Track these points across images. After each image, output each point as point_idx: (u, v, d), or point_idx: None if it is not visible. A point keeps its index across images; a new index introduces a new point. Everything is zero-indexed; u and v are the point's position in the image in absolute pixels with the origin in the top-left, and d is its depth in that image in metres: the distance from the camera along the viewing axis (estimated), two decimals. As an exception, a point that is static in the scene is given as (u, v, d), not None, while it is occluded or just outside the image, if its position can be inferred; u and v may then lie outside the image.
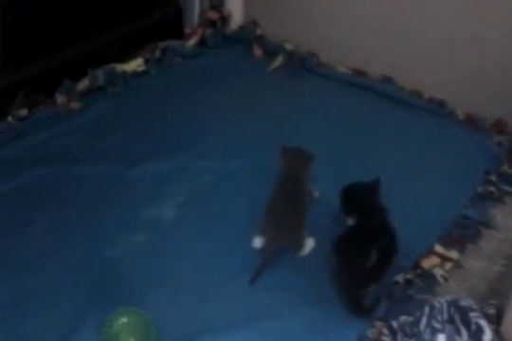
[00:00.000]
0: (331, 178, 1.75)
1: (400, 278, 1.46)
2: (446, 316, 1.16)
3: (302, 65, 2.28)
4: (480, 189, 1.70)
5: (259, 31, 2.42)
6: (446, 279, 1.45)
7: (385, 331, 1.30)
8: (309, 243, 1.56)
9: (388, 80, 2.15)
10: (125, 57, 2.31)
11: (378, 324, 1.35)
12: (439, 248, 1.53)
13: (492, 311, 1.15)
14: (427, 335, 1.14)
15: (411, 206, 1.51)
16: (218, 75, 2.33)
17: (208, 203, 1.76)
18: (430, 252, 1.52)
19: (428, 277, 1.46)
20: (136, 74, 2.29)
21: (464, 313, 1.13)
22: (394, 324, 1.29)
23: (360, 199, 1.49)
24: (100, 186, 1.81)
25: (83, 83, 2.18)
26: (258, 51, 2.39)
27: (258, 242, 1.56)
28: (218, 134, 2.03)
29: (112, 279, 1.52)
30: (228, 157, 1.92)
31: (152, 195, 1.78)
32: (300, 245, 1.53)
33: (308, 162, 1.65)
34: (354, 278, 1.37)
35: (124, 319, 1.34)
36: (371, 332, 1.34)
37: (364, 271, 1.36)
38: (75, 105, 2.13)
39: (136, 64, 2.31)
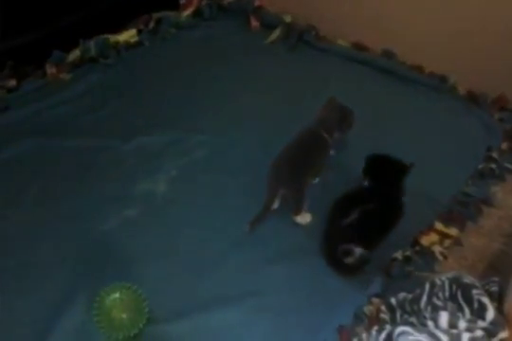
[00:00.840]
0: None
1: (398, 254, 1.43)
2: (447, 294, 1.14)
3: (301, 38, 2.22)
4: (481, 166, 1.68)
5: (256, 2, 2.35)
6: (445, 257, 1.43)
7: (383, 307, 1.27)
8: (306, 217, 1.55)
9: (389, 54, 2.10)
10: (118, 28, 2.24)
11: (376, 301, 1.33)
12: (439, 225, 1.50)
13: (495, 288, 1.12)
14: (428, 313, 1.11)
15: (411, 183, 1.47)
16: (214, 47, 2.27)
17: (201, 177, 1.72)
18: (430, 229, 1.50)
19: (426, 254, 1.44)
20: (128, 45, 2.23)
21: (466, 290, 1.10)
22: (393, 301, 1.27)
23: (386, 169, 1.47)
24: (91, 159, 1.77)
25: (75, 54, 2.12)
26: (255, 23, 2.32)
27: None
28: (213, 108, 1.98)
29: (104, 254, 1.49)
30: (224, 131, 1.87)
31: (144, 169, 1.74)
32: (297, 201, 1.51)
33: (343, 124, 1.65)
34: (330, 232, 1.43)
35: (116, 294, 1.30)
36: (368, 309, 1.32)
37: (340, 227, 1.40)
38: (65, 76, 2.08)
39: (128, 35, 2.25)
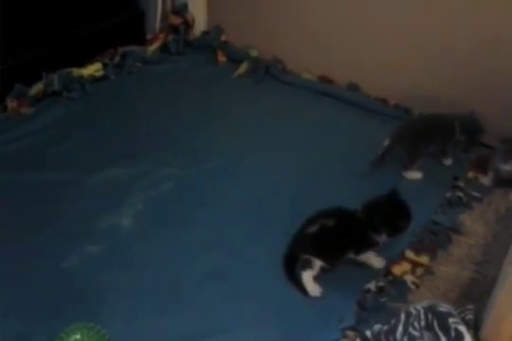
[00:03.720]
0: (300, 191, 1.72)
1: (372, 285, 1.40)
2: (423, 323, 1.11)
3: (268, 72, 2.24)
4: (448, 195, 1.69)
5: (223, 37, 2.37)
6: (417, 286, 1.41)
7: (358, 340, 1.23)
8: (417, 174, 1.75)
9: (354, 87, 2.13)
10: (83, 61, 2.22)
11: (350, 334, 1.28)
12: (410, 254, 1.48)
13: (470, 316, 1.10)
14: (404, 345, 1.07)
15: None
16: (180, 81, 2.27)
17: (168, 211, 1.68)
18: (402, 258, 1.47)
19: (399, 283, 1.41)
20: (93, 79, 2.21)
21: (442, 319, 1.07)
22: (368, 333, 1.23)
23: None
24: (53, 194, 1.72)
25: (37, 87, 2.09)
26: (222, 58, 2.34)
27: None
28: (180, 141, 1.96)
29: (65, 293, 1.42)
30: (191, 164, 1.85)
31: (108, 203, 1.69)
32: (410, 158, 1.75)
33: (474, 138, 1.79)
34: (293, 240, 1.47)
35: (77, 336, 1.23)
36: (343, 344, 1.27)
37: (300, 236, 1.45)
38: (27, 110, 2.03)
39: (93, 69, 2.23)
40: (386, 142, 1.74)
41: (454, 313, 1.09)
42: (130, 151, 1.90)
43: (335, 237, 1.42)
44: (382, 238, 1.42)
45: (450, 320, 1.06)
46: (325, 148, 1.91)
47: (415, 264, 1.46)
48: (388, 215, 1.41)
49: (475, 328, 1.08)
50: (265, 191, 1.74)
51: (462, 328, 1.04)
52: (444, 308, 1.11)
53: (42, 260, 1.49)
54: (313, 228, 1.42)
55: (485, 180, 1.73)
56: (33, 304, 1.38)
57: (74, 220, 1.63)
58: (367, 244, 1.43)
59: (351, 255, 1.43)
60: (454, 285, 1.40)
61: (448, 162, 1.81)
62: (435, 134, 1.75)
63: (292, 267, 1.43)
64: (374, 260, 1.46)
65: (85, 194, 1.72)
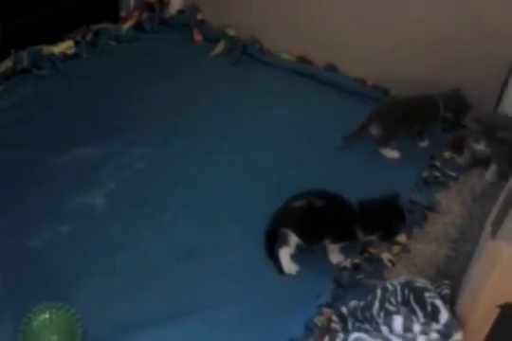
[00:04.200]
0: (276, 170, 1.69)
1: (347, 262, 1.39)
2: (400, 298, 1.10)
3: (245, 52, 2.20)
4: (425, 174, 1.68)
5: (199, 16, 2.31)
6: (393, 264, 1.40)
7: (334, 317, 1.22)
8: (394, 153, 1.73)
9: (332, 67, 2.11)
10: (54, 39, 2.15)
11: (326, 311, 1.27)
12: (386, 232, 1.47)
13: (446, 291, 1.09)
14: (381, 319, 1.07)
15: (360, 191, 1.44)
16: (155, 60, 2.22)
17: (142, 190, 1.64)
18: (378, 236, 1.46)
19: (375, 261, 1.41)
20: (65, 57, 2.13)
21: (418, 293, 1.07)
22: (344, 310, 1.22)
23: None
24: (21, 173, 1.66)
25: (5, 65, 2.01)
26: (198, 37, 2.28)
27: None
28: (155, 120, 1.92)
29: (34, 273, 1.37)
30: (165, 143, 1.81)
31: (80, 183, 1.64)
32: (386, 135, 1.72)
33: (460, 113, 1.77)
34: (276, 213, 1.44)
35: (45, 315, 1.19)
36: (319, 320, 1.25)
37: (284, 209, 1.42)
38: (-5, 88, 1.95)
39: (65, 47, 2.16)
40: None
41: (430, 287, 1.08)
42: (102, 130, 1.85)
43: (320, 217, 1.38)
44: (370, 238, 1.40)
45: (427, 295, 1.06)
46: (303, 128, 1.89)
47: (391, 242, 1.45)
48: (386, 220, 1.38)
49: (451, 302, 1.08)
50: (243, 170, 1.71)
51: (438, 302, 1.04)
52: (420, 283, 1.10)
53: (9, 240, 1.44)
54: (300, 203, 1.39)
55: (461, 160, 1.73)
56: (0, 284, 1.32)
57: (43, 199, 1.58)
58: (348, 237, 1.40)
59: (327, 241, 1.40)
60: (431, 263, 1.39)
61: (425, 144, 1.81)
62: (417, 114, 1.74)
63: (272, 243, 1.41)
64: (334, 254, 1.42)
65: (55, 173, 1.67)
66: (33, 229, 1.48)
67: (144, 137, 1.83)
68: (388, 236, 1.41)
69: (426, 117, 1.76)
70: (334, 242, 1.40)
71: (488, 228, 0.93)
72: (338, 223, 1.39)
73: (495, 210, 0.99)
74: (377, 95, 1.99)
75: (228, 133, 1.87)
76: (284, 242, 1.39)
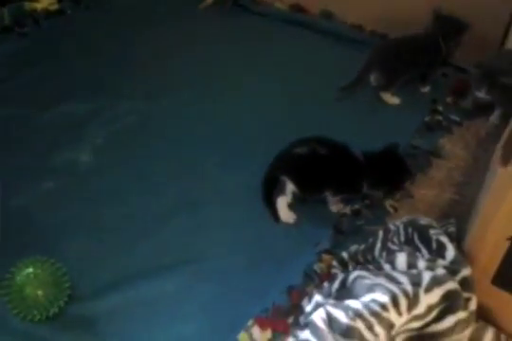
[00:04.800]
0: (272, 119, 1.62)
1: (347, 209, 1.33)
2: (403, 238, 1.04)
3: (237, 3, 2.11)
4: (427, 119, 1.60)
5: (187, -34, 2.20)
6: (395, 209, 1.34)
7: (334, 263, 1.16)
8: (394, 99, 1.66)
9: (327, 14, 2.01)
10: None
11: (326, 257, 1.21)
12: (388, 177, 1.41)
13: (452, 229, 1.03)
14: (383, 259, 1.00)
15: (360, 138, 1.37)
16: (143, 14, 2.12)
17: (130, 145, 1.57)
18: (379, 182, 1.40)
19: (377, 207, 1.34)
20: (48, 13, 2.04)
21: (423, 231, 1.00)
22: (345, 255, 1.16)
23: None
24: (5, 130, 1.58)
25: (-15, 22, 1.92)
26: (187, -12, 2.17)
27: None
28: (144, 75, 1.84)
29: (18, 230, 1.31)
30: (156, 97, 1.73)
31: (65, 139, 1.57)
32: (386, 81, 1.65)
33: (459, 36, 1.66)
34: (276, 158, 1.35)
35: (30, 269, 1.12)
36: (318, 267, 1.20)
37: (285, 154, 1.34)
38: (-25, 45, 1.87)
39: (47, 2, 2.07)
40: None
41: (435, 225, 1.02)
42: (89, 85, 1.77)
43: (322, 167, 1.28)
44: (375, 194, 1.32)
45: (431, 232, 0.99)
46: (300, 78, 1.79)
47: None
48: (394, 176, 1.30)
49: (457, 240, 1.01)
50: (236, 122, 1.62)
51: (444, 238, 0.97)
52: (424, 221, 1.03)
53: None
54: (302, 149, 1.30)
55: (464, 104, 1.65)
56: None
57: (27, 156, 1.51)
58: (350, 191, 1.32)
59: (327, 193, 1.32)
60: (434, 207, 1.32)
61: (427, 89, 1.72)
62: (417, 54, 1.64)
63: (269, 190, 1.33)
64: (334, 204, 1.34)
65: (40, 130, 1.60)
66: (17, 186, 1.41)
67: (131, 92, 1.75)
68: (392, 192, 1.34)
69: (427, 57, 1.66)
70: (335, 194, 1.32)
71: (498, 153, 0.86)
72: (342, 175, 1.29)
73: (505, 134, 0.92)
74: (376, 41, 1.89)
75: (220, 85, 1.78)
76: (282, 191, 1.32)
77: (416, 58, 1.64)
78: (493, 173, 0.90)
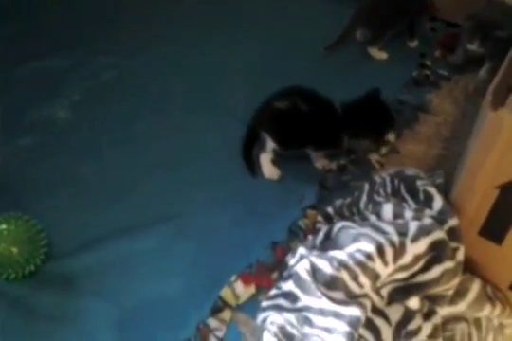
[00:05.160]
0: (258, 78, 1.55)
1: (333, 165, 1.29)
2: (389, 190, 1.00)
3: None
4: (415, 74, 1.56)
5: None
6: (382, 165, 1.31)
7: (319, 218, 1.13)
8: (382, 54, 1.61)
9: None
10: None
11: (311, 213, 1.19)
12: (374, 132, 1.37)
13: (440, 180, 1.00)
14: (369, 211, 0.97)
15: (346, 93, 1.31)
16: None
17: (108, 101, 1.51)
18: (364, 137, 1.36)
19: (362, 163, 1.31)
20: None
21: (409, 182, 0.97)
22: (330, 209, 1.13)
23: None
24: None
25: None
26: None
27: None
28: (123, 29, 1.76)
29: (-7, 187, 1.26)
30: (135, 53, 1.66)
31: (41, 95, 1.52)
32: (374, 35, 1.59)
33: None
34: (257, 110, 1.31)
35: (2, 226, 1.09)
36: (303, 223, 1.17)
37: (263, 108, 1.29)
38: None
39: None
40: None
41: (423, 175, 0.99)
42: (66, 40, 1.69)
43: (301, 122, 1.23)
44: (360, 146, 1.29)
45: (418, 183, 0.96)
46: (286, 33, 1.72)
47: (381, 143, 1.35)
48: (372, 122, 1.24)
49: (445, 192, 0.99)
50: (218, 78, 1.56)
51: (431, 189, 0.94)
52: (411, 171, 1.00)
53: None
54: (282, 104, 1.24)
55: (453, 59, 1.61)
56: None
57: (3, 112, 1.45)
58: (332, 145, 1.27)
59: (308, 148, 1.28)
60: (422, 162, 1.29)
61: (414, 44, 1.67)
62: (401, 6, 1.59)
63: (248, 144, 1.30)
64: (318, 160, 1.30)
65: (15, 86, 1.54)
66: (-8, 143, 1.37)
67: (109, 48, 1.67)
68: (377, 140, 1.30)
69: (411, 6, 1.60)
70: (316, 150, 1.28)
71: (488, 98, 0.82)
72: (321, 129, 1.24)
73: (496, 78, 0.88)
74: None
75: (203, 41, 1.69)
76: (263, 148, 1.28)
77: (401, 9, 1.59)
78: (482, 120, 0.87)
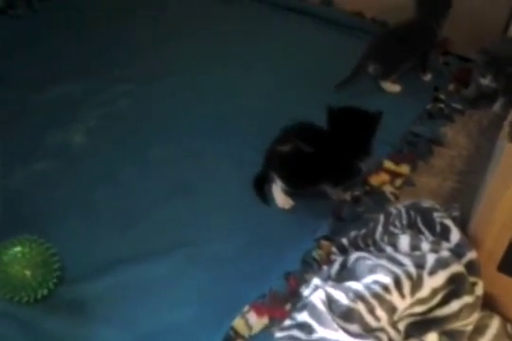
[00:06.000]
0: (268, 108, 1.57)
1: (347, 195, 1.29)
2: (405, 221, 1.00)
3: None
4: (429, 107, 1.57)
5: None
6: (396, 197, 1.30)
7: (334, 249, 1.12)
8: (395, 87, 1.64)
9: (327, 1, 1.97)
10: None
11: (325, 244, 1.17)
12: (388, 164, 1.37)
13: (456, 213, 0.99)
14: (385, 242, 0.96)
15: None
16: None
17: (124, 128, 1.53)
18: (380, 168, 1.36)
19: (377, 194, 1.31)
20: (40, -5, 1.99)
21: (426, 214, 0.97)
22: (344, 241, 1.12)
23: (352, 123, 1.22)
24: (-2, 111, 1.54)
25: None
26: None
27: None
28: (137, 57, 1.80)
29: (9, 211, 1.27)
30: (150, 80, 1.69)
31: (57, 121, 1.54)
32: (386, 69, 1.62)
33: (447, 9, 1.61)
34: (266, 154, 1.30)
35: (17, 248, 1.08)
36: (317, 253, 1.16)
37: (270, 151, 1.28)
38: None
39: (40, -16, 2.01)
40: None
41: (439, 208, 0.98)
42: (82, 67, 1.73)
43: (309, 163, 1.20)
44: (363, 164, 1.22)
45: (435, 215, 0.96)
46: (298, 65, 1.76)
47: (394, 175, 1.35)
48: (355, 133, 1.19)
49: (461, 225, 0.98)
50: (230, 107, 1.59)
51: (448, 222, 0.94)
52: (427, 203, 1.00)
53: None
54: (286, 147, 1.22)
55: (467, 93, 1.62)
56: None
57: (19, 137, 1.48)
58: (351, 175, 1.23)
59: (324, 185, 1.26)
60: (436, 195, 1.29)
61: (428, 77, 1.69)
62: (413, 40, 1.60)
63: (262, 181, 1.31)
64: (335, 193, 1.29)
65: (33, 111, 1.57)
66: (8, 167, 1.38)
67: (127, 75, 1.71)
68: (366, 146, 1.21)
69: (424, 43, 1.62)
70: (334, 185, 1.26)
71: (506, 129, 0.82)
72: (333, 166, 1.21)
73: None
74: (377, 29, 1.85)
75: (213, 69, 1.74)
76: (274, 181, 1.29)
77: (412, 44, 1.61)
78: (499, 152, 0.87)
